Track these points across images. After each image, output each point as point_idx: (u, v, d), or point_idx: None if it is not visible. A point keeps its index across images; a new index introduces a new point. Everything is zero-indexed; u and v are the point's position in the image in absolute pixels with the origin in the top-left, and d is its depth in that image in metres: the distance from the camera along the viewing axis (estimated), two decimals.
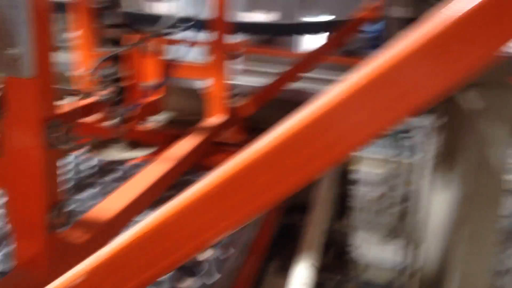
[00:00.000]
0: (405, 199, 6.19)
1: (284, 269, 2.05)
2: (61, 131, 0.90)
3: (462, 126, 2.03)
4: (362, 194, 4.94)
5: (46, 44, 0.89)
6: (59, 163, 0.95)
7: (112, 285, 0.65)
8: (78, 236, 1.03)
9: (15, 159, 0.88)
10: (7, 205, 0.90)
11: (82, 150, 1.88)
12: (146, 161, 2.00)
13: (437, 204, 2.49)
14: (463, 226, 2.15)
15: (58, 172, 0.95)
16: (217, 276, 1.37)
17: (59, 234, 0.94)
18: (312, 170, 0.58)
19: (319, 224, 1.95)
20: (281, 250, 2.08)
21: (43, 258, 0.90)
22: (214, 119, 2.16)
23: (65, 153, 1.77)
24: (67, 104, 1.62)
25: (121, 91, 1.71)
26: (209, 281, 1.35)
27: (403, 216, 6.31)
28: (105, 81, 1.68)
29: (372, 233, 6.81)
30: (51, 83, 0.90)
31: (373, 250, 5.71)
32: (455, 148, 2.30)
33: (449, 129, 2.38)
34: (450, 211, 2.28)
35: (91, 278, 0.64)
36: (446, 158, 2.44)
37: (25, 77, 0.85)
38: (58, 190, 0.94)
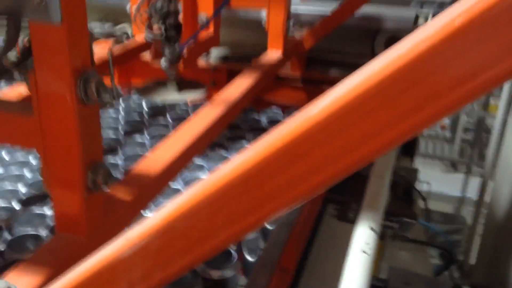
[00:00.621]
0: (477, 127, 5.88)
1: (345, 212, 1.95)
2: (97, 82, 0.81)
3: None
4: None
5: None
6: (97, 116, 0.86)
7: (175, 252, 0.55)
8: (123, 194, 0.96)
9: (46, 117, 0.80)
10: (40, 168, 0.83)
11: (131, 93, 1.80)
12: (201, 102, 1.90)
13: (510, 142, 2.30)
14: None
15: (97, 126, 0.86)
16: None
17: (99, 195, 0.86)
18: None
19: (386, 162, 1.81)
20: (342, 191, 1.97)
21: (83, 221, 0.83)
22: (273, 53, 2.01)
23: (104, 106, 1.70)
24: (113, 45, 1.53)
25: (173, 27, 1.59)
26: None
27: (471, 146, 6.03)
28: (156, 16, 1.56)
29: (437, 164, 6.59)
30: (83, 28, 0.80)
31: (437, 181, 5.54)
32: None
33: None
34: None
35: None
36: None
37: (52, 23, 0.75)
38: (98, 146, 0.86)
